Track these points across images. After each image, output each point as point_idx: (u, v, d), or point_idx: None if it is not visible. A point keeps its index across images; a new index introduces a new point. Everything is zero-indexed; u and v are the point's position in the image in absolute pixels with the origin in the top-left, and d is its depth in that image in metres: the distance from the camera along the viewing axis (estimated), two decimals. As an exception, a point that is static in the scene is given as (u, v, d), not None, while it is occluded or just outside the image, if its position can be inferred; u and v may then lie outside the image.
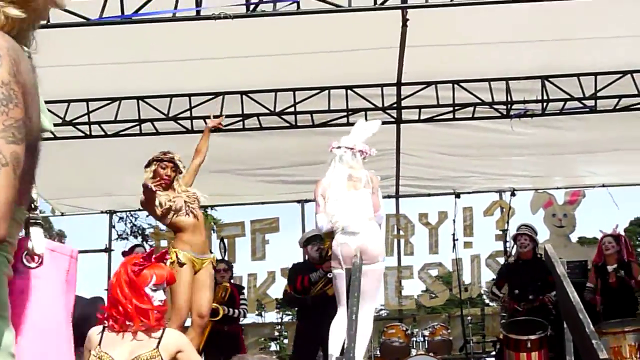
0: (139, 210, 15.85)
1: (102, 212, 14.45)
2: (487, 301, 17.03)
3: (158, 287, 4.62)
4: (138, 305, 4.54)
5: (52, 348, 1.87)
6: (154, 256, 4.71)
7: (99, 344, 4.57)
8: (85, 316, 5.39)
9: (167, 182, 7.70)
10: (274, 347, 15.32)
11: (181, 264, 7.39)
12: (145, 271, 4.61)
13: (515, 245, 10.57)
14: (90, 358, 4.54)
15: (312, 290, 9.84)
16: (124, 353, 4.53)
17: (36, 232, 1.93)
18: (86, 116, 10.82)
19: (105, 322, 4.68)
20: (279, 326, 17.66)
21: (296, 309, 10.87)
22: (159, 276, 4.62)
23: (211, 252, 8.35)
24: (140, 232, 25.15)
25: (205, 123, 10.66)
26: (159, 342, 4.59)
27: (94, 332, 4.69)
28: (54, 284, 1.90)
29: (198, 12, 7.92)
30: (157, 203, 7.45)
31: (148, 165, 7.84)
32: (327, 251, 9.80)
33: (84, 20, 7.90)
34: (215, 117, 8.99)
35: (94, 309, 5.70)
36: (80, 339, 4.64)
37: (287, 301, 11.45)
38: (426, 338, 10.56)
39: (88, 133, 11.09)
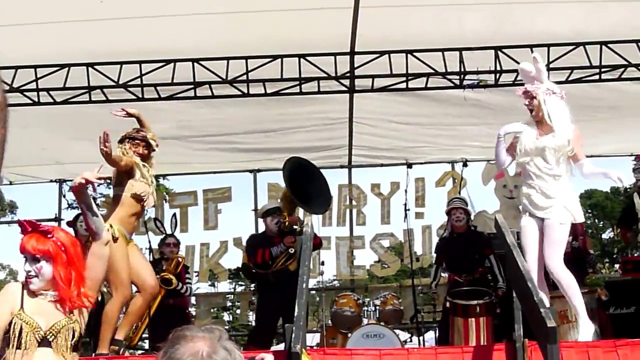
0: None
1: (51, 181, 14.27)
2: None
3: (25, 257, 4.56)
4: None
5: None
6: (29, 228, 4.60)
7: (22, 307, 4.50)
8: None
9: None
10: (227, 317, 15.33)
11: (115, 239, 7.30)
12: (22, 241, 4.58)
13: (449, 219, 10.57)
14: (14, 320, 4.44)
15: (274, 265, 9.80)
16: (42, 319, 4.49)
17: None
18: (34, 83, 10.65)
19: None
20: (232, 296, 17.67)
21: (256, 283, 10.82)
22: (22, 246, 4.55)
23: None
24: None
25: (157, 92, 10.63)
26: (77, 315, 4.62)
27: (14, 289, 4.62)
28: None
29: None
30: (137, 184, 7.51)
31: (121, 141, 7.77)
32: (286, 224, 9.79)
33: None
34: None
35: None
36: None
37: (248, 275, 11.43)
38: (377, 307, 10.60)
39: (36, 100, 10.91)
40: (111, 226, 7.33)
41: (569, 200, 7.12)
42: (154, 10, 9.28)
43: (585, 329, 7.06)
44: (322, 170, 12.66)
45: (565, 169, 7.18)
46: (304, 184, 9.82)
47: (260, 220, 10.61)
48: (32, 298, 4.55)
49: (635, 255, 9.68)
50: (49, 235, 4.59)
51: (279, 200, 10.74)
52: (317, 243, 9.69)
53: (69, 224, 11.36)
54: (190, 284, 11.28)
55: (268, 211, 10.15)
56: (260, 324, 10.26)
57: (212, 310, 14.78)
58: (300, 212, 10.75)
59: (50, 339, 4.45)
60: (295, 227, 9.85)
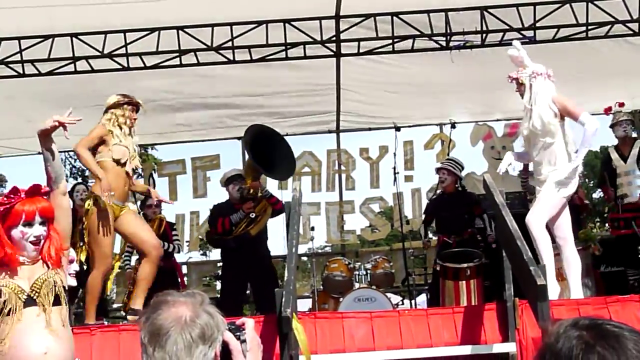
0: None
1: (39, 153, 14.16)
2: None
3: (30, 222, 4.53)
4: (6, 252, 4.52)
5: None
6: (23, 192, 4.60)
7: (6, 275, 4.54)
8: None
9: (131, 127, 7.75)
10: (218, 285, 15.29)
11: (102, 210, 7.34)
12: (14, 209, 4.54)
13: (438, 179, 10.62)
14: None
15: (235, 231, 9.79)
16: (24, 279, 4.52)
17: None
18: (18, 54, 10.59)
19: None
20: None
21: (220, 251, 10.80)
22: (28, 212, 4.53)
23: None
24: (80, 173, 24.96)
25: (142, 60, 10.56)
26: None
27: None
28: None
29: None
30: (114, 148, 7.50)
31: (117, 106, 7.70)
32: (247, 190, 9.75)
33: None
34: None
35: None
36: None
37: (210, 242, 11.43)
38: (368, 271, 10.60)
39: (21, 72, 10.85)
40: (97, 198, 7.33)
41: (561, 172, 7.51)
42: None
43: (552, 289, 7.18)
44: (310, 136, 12.65)
45: (559, 142, 7.57)
46: (267, 151, 9.77)
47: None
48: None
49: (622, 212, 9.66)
50: (46, 197, 4.64)
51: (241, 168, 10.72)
52: (279, 208, 9.65)
53: None
54: (179, 241, 11.22)
55: (229, 179, 10.08)
56: (225, 293, 10.30)
57: (203, 278, 14.75)
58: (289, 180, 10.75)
59: (34, 297, 4.48)
60: (256, 193, 9.84)
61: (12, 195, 4.56)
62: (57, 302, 4.55)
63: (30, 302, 4.46)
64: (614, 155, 10.13)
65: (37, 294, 4.47)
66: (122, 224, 7.61)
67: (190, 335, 2.51)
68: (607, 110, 10.57)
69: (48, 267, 4.59)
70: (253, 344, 2.68)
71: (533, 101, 7.61)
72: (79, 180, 24.04)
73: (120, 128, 7.61)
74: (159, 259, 7.82)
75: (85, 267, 7.65)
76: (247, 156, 10.75)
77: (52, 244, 4.62)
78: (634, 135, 10.45)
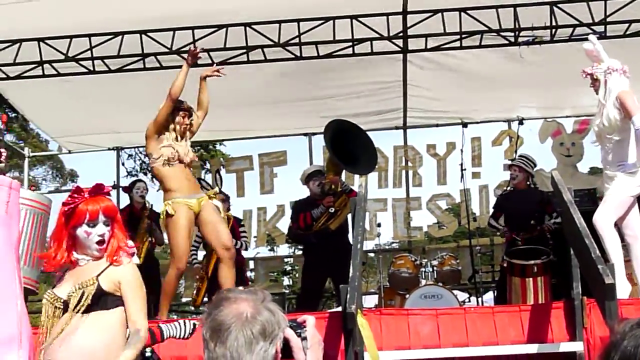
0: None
1: (109, 149, 14.42)
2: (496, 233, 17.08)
3: (94, 222, 4.56)
4: (65, 250, 4.58)
5: None
6: (87, 191, 4.63)
7: (53, 287, 4.64)
8: None
9: (184, 131, 7.85)
10: (286, 281, 15.39)
11: (171, 216, 7.48)
12: (78, 208, 4.56)
13: (510, 176, 10.53)
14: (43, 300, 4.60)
15: (315, 225, 9.84)
16: (69, 285, 4.53)
17: None
18: (89, 52, 10.74)
19: None
20: (291, 259, 17.74)
21: (302, 246, 10.89)
22: (92, 212, 4.54)
23: (205, 189, 8.34)
24: (149, 168, 25.20)
25: (210, 57, 10.63)
26: (100, 272, 4.60)
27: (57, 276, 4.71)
28: None
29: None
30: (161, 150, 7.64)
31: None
32: (328, 186, 9.80)
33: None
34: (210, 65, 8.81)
35: None
36: None
37: (292, 238, 11.50)
38: (435, 268, 10.58)
39: (91, 69, 11.00)
40: (166, 205, 7.47)
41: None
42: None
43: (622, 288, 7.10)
44: (376, 132, 12.62)
45: (627, 139, 7.50)
46: (348, 146, 9.79)
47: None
48: (70, 271, 4.65)
49: None
50: (108, 196, 4.70)
51: (323, 164, 10.75)
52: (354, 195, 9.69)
53: (124, 189, 11.49)
54: (247, 238, 11.28)
55: (309, 175, 10.16)
56: (306, 286, 10.34)
57: (270, 274, 14.85)
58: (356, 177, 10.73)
59: (70, 304, 4.50)
60: (336, 188, 9.87)
61: (75, 195, 4.59)
62: (88, 310, 4.51)
63: (66, 307, 4.50)
64: None
65: (71, 301, 4.50)
66: (202, 220, 7.74)
67: (251, 332, 2.53)
68: None
69: (99, 273, 4.59)
70: (314, 341, 2.69)
71: (607, 97, 7.51)
72: (149, 175, 24.41)
73: (172, 132, 7.78)
74: (230, 258, 7.84)
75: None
76: (325, 152, 10.83)
77: (117, 244, 4.66)
78: None
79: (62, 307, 4.48)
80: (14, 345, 1.54)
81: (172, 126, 7.78)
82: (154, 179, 14.89)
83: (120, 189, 12.86)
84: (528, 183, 10.32)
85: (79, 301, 4.48)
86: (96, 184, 4.71)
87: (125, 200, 11.75)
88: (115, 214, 4.71)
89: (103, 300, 4.53)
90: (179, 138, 7.79)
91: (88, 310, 4.50)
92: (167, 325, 5.30)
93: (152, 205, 11.07)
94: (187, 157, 7.74)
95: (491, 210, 11.28)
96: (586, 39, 9.11)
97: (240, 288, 2.72)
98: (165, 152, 7.62)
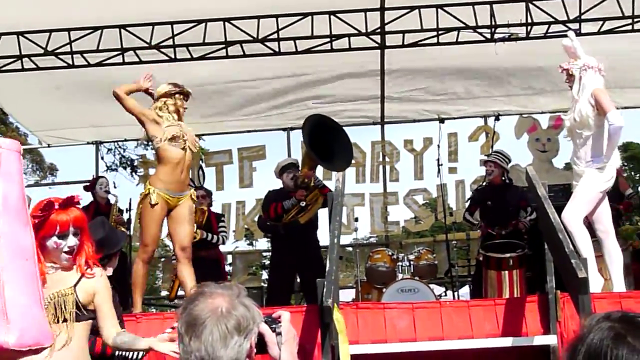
0: (125, 140, 15.84)
1: (88, 143, 14.37)
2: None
3: (64, 233, 4.52)
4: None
5: None
6: (57, 203, 4.56)
7: None
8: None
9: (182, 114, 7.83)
10: (265, 275, 15.40)
11: (153, 205, 7.42)
12: (49, 220, 4.51)
13: (485, 171, 10.57)
14: None
15: (285, 217, 9.84)
16: (47, 291, 4.47)
17: None
18: (68, 46, 10.70)
19: None
20: (269, 253, 17.76)
21: (270, 238, 10.87)
22: (62, 223, 4.51)
23: (191, 187, 8.28)
24: (129, 162, 25.14)
25: (189, 52, 10.62)
26: (76, 283, 4.59)
27: None
28: None
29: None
30: (167, 130, 7.54)
31: (169, 95, 7.78)
32: (302, 179, 9.79)
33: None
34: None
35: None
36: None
37: (261, 228, 11.46)
38: (412, 262, 10.64)
39: (71, 63, 10.96)
40: (149, 191, 7.42)
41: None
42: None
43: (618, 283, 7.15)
44: (354, 127, 12.60)
45: (598, 136, 7.55)
46: (326, 141, 9.78)
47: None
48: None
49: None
50: (78, 206, 4.66)
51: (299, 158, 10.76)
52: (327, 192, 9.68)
53: (86, 188, 11.32)
54: (226, 233, 11.22)
55: (283, 167, 10.17)
56: (274, 280, 10.37)
57: (248, 267, 14.85)
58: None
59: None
60: (309, 182, 9.86)
61: (47, 210, 4.53)
62: (65, 319, 4.50)
63: None
64: None
65: (45, 307, 4.48)
66: (172, 217, 7.70)
67: (226, 326, 2.55)
68: None
69: (73, 285, 4.58)
70: (289, 336, 2.71)
71: (581, 93, 7.58)
72: (128, 170, 24.35)
73: (170, 115, 7.69)
74: (187, 260, 7.79)
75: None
76: (303, 147, 10.82)
77: (84, 253, 4.64)
78: None
79: None
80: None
81: (172, 108, 7.72)
82: (134, 173, 14.85)
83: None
84: (503, 178, 10.36)
85: (58, 310, 4.47)
86: (68, 196, 4.64)
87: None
88: (84, 223, 4.68)
89: (79, 311, 4.54)
90: (177, 119, 7.73)
91: (65, 319, 4.49)
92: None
93: (117, 199, 11.10)
94: (194, 146, 7.72)
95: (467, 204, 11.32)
96: (562, 36, 9.16)
97: (216, 284, 2.74)
98: (170, 130, 7.51)
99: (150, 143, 7.78)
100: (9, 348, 1.70)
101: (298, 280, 10.64)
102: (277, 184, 10.44)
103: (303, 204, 9.75)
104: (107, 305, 4.67)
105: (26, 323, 1.71)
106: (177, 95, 7.77)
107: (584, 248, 7.20)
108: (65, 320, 4.47)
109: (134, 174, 22.99)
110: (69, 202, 4.60)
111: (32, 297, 1.76)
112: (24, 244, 1.76)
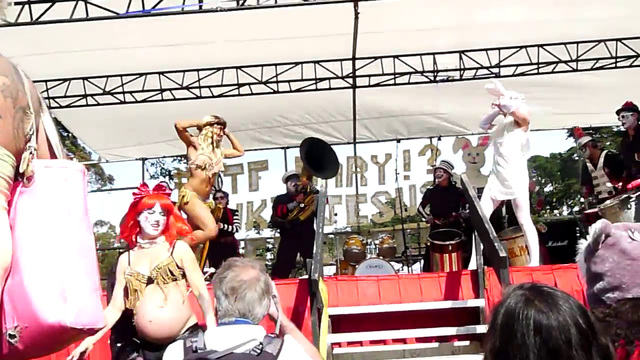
0: (164, 157, 15.76)
1: (136, 159, 14.30)
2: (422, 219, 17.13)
3: (151, 210, 4.54)
4: (129, 228, 4.57)
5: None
6: (151, 188, 4.64)
7: (129, 264, 4.52)
8: None
9: (218, 141, 7.44)
10: (269, 255, 15.31)
11: (186, 203, 7.20)
12: (142, 200, 4.56)
13: (435, 176, 10.55)
14: (124, 277, 4.49)
15: (289, 215, 9.82)
16: (147, 265, 4.49)
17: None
18: (120, 87, 10.69)
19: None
20: (272, 240, 17.67)
21: (279, 230, 10.85)
22: (150, 204, 4.53)
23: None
24: (167, 173, 25.17)
25: (211, 91, 10.58)
26: (172, 252, 4.57)
27: (123, 257, 4.64)
28: (48, 191, 1.78)
29: (200, 6, 7.76)
30: (199, 157, 7.28)
31: (211, 124, 7.37)
32: (301, 186, 9.80)
33: (115, 14, 7.75)
34: None
35: None
36: None
37: (272, 224, 11.43)
38: (377, 246, 10.60)
39: (122, 100, 10.94)
40: (185, 192, 7.26)
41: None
42: (205, 38, 9.27)
43: (534, 260, 7.16)
44: (333, 146, 12.62)
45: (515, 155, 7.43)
46: (319, 156, 9.78)
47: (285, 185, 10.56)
48: (136, 252, 4.58)
49: (592, 210, 9.27)
50: (168, 196, 4.69)
51: (295, 170, 10.75)
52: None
53: (134, 194, 11.17)
54: (239, 224, 11.15)
55: (288, 177, 10.16)
56: (280, 259, 10.31)
57: (256, 250, 14.79)
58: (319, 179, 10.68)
59: (153, 277, 4.46)
60: (306, 188, 9.88)
61: (141, 189, 4.62)
62: (174, 280, 4.51)
63: (150, 281, 4.45)
64: (589, 165, 9.68)
65: (155, 275, 4.46)
66: None
67: (261, 289, 2.64)
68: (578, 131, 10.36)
69: (171, 254, 4.56)
70: (278, 298, 2.78)
71: (508, 116, 7.48)
72: (166, 178, 24.30)
73: (210, 142, 7.36)
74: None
75: None
76: (296, 161, 10.82)
77: (173, 230, 4.65)
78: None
79: (145, 281, 4.44)
80: (58, 300, 1.50)
81: (210, 135, 7.33)
82: (170, 181, 14.77)
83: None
84: (450, 181, 10.35)
85: (165, 276, 4.48)
86: (156, 185, 4.77)
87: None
88: (171, 208, 4.69)
89: (176, 273, 4.54)
90: (214, 147, 7.37)
91: (175, 279, 4.52)
92: None
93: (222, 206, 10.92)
94: (216, 167, 7.36)
95: (418, 204, 11.30)
96: (486, 78, 9.18)
97: (243, 259, 2.82)
98: (201, 159, 7.23)
99: (186, 160, 7.62)
100: (66, 326, 1.63)
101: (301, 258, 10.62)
102: (279, 190, 10.45)
103: (302, 205, 9.76)
104: (192, 266, 4.65)
105: (82, 306, 1.68)
106: (215, 125, 7.39)
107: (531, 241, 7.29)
108: (174, 280, 4.49)
109: (170, 181, 22.96)
110: (158, 189, 4.65)
111: (89, 286, 1.74)
112: (84, 244, 1.74)
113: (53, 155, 1.87)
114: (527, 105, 7.59)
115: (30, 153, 1.75)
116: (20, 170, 1.73)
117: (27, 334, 1.62)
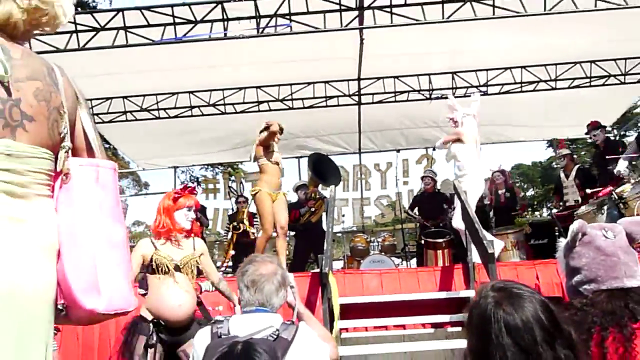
0: (193, 165, 15.74)
1: (169, 167, 14.34)
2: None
3: (190, 209, 4.57)
4: (168, 224, 4.52)
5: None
6: (187, 190, 4.66)
7: (156, 249, 4.46)
8: None
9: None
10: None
11: (258, 198, 7.03)
12: (180, 200, 4.56)
13: (422, 183, 10.54)
14: (155, 257, 4.41)
15: (301, 219, 9.86)
16: (176, 255, 4.48)
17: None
18: (155, 105, 10.72)
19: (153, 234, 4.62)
20: (287, 239, 17.66)
21: (294, 231, 10.84)
22: (190, 204, 4.56)
23: (234, 192, 8.06)
24: (195, 179, 25.22)
25: (234, 108, 10.59)
26: (194, 247, 4.59)
27: (146, 241, 4.55)
28: (82, 189, 1.77)
29: (225, 34, 7.79)
30: (274, 155, 7.20)
31: (267, 129, 7.24)
32: (310, 194, 9.85)
33: (150, 41, 7.79)
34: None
35: None
36: None
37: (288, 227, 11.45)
38: (379, 243, 10.58)
39: (157, 116, 10.97)
40: (258, 191, 7.05)
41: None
42: (230, 61, 9.27)
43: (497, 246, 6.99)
44: (341, 155, 12.63)
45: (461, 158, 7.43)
46: (324, 168, 9.78)
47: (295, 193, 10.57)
48: (162, 243, 4.52)
49: (562, 211, 9.22)
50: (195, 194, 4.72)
51: (306, 179, 10.77)
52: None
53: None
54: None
55: (298, 187, 10.26)
56: (296, 256, 10.32)
57: (272, 248, 14.76)
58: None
59: (181, 267, 4.44)
60: (315, 195, 9.93)
61: (180, 190, 4.63)
62: (198, 273, 4.57)
63: (178, 269, 4.43)
64: (562, 176, 9.66)
65: (183, 266, 4.45)
66: (275, 205, 7.22)
67: (278, 282, 2.64)
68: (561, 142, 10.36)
69: (194, 249, 4.57)
70: (296, 288, 2.80)
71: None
72: (195, 184, 24.30)
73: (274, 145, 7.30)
74: (284, 236, 7.47)
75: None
76: (306, 171, 10.78)
77: (195, 226, 4.66)
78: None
79: (173, 266, 4.42)
80: (93, 292, 1.51)
81: (276, 140, 7.25)
82: (198, 186, 14.76)
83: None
84: (435, 188, 10.36)
85: (191, 267, 4.50)
86: (185, 185, 4.82)
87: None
88: (199, 206, 4.75)
89: (196, 266, 4.57)
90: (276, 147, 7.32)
91: (200, 273, 4.57)
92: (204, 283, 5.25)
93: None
94: (280, 161, 7.31)
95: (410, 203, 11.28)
96: (468, 96, 9.16)
97: (262, 254, 2.82)
98: (277, 157, 7.18)
99: (255, 160, 7.37)
100: (100, 312, 1.67)
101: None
102: (291, 194, 10.45)
103: (313, 210, 9.82)
104: (210, 260, 4.74)
105: (114, 294, 1.69)
106: (280, 133, 7.35)
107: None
108: (200, 273, 4.56)
109: (198, 187, 22.98)
110: (191, 191, 4.68)
111: (120, 274, 1.74)
112: (115, 237, 1.74)
113: (90, 149, 1.83)
114: (474, 121, 7.50)
115: (66, 152, 1.72)
116: (57, 169, 1.71)
117: (69, 311, 1.68)
